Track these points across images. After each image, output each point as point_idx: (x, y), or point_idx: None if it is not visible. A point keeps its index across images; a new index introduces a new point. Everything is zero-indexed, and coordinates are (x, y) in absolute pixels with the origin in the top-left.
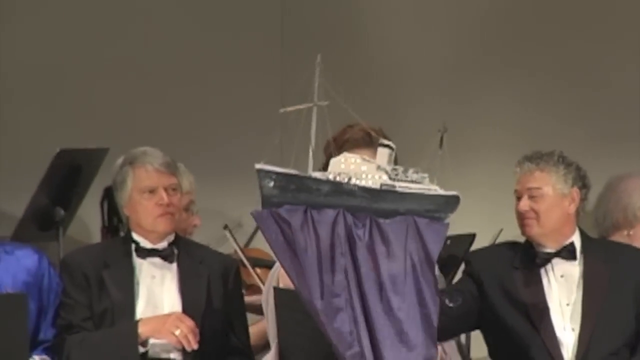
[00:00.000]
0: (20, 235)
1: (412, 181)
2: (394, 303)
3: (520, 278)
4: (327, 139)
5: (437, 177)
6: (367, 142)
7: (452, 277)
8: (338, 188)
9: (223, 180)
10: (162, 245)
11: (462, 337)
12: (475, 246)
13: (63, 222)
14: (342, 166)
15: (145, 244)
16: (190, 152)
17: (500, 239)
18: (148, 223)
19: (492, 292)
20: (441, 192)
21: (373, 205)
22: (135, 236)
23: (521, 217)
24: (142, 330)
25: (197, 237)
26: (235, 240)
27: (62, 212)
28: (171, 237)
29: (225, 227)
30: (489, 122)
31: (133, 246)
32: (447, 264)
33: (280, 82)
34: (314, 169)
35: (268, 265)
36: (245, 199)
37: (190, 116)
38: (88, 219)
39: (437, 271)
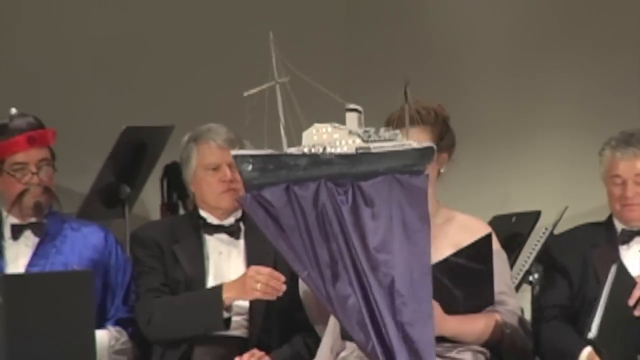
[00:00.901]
0: (86, 212)
1: (385, 140)
2: (382, 261)
3: (599, 255)
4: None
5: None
6: (416, 120)
7: (517, 256)
8: (315, 159)
9: None
10: (229, 221)
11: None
12: (540, 224)
13: (129, 199)
14: (315, 138)
15: (212, 220)
16: (255, 130)
17: (566, 217)
18: (212, 199)
19: (575, 272)
20: (415, 145)
21: (352, 170)
22: (201, 212)
23: (626, 202)
24: (226, 296)
25: None
26: None
27: (127, 189)
28: (238, 214)
29: None
30: (554, 97)
31: (201, 222)
32: (512, 241)
33: (344, 65)
34: (289, 145)
35: None
36: None
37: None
38: (148, 196)
39: (499, 246)
